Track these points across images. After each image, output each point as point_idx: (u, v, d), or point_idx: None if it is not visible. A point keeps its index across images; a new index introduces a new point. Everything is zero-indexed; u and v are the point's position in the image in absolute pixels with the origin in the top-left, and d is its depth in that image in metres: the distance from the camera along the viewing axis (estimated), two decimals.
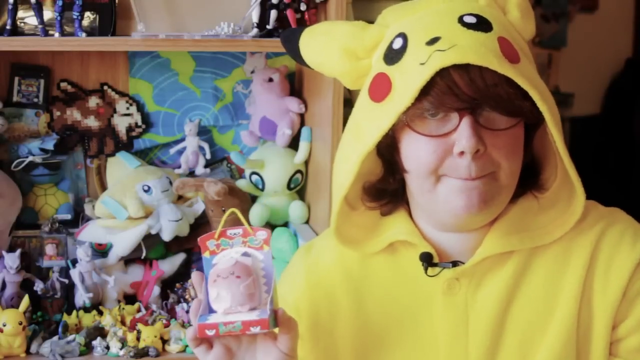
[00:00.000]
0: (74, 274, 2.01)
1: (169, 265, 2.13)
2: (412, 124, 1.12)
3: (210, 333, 1.09)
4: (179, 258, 2.14)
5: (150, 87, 2.18)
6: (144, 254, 2.07)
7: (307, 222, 2.15)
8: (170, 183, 2.08)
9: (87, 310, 2.01)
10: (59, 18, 1.90)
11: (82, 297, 2.01)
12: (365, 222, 1.25)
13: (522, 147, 1.16)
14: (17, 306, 1.90)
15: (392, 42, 1.16)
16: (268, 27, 1.99)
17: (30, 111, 2.12)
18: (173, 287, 2.09)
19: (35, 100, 2.12)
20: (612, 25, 4.73)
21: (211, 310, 1.12)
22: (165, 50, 2.12)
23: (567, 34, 4.60)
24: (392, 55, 1.14)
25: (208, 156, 2.18)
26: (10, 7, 1.89)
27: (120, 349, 1.90)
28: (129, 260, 2.11)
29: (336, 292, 1.26)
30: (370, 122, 1.15)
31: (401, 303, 1.23)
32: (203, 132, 2.20)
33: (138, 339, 1.92)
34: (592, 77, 4.68)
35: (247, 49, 2.13)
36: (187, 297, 2.05)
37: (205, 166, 2.18)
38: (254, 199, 2.18)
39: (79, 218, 2.13)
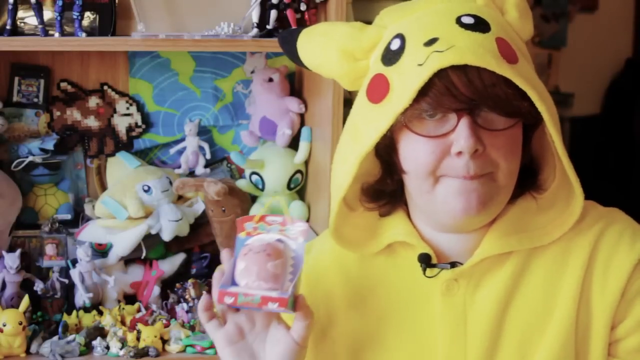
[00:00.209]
0: (74, 274, 2.01)
1: (169, 265, 2.13)
2: (410, 125, 1.12)
3: (228, 301, 1.12)
4: (179, 258, 2.14)
5: (150, 87, 2.18)
6: (144, 254, 2.08)
7: (307, 222, 2.15)
8: (170, 183, 2.08)
9: (87, 310, 2.01)
10: (59, 18, 1.90)
11: (82, 297, 2.01)
12: (363, 223, 1.25)
13: (521, 148, 1.16)
14: (17, 306, 1.90)
15: (389, 43, 1.16)
16: (268, 27, 1.99)
17: (30, 111, 2.13)
18: (173, 287, 2.09)
19: (35, 100, 2.12)
20: (612, 25, 4.73)
21: (233, 284, 1.14)
22: (165, 50, 2.12)
23: (567, 34, 4.60)
24: (390, 56, 1.14)
25: (208, 156, 2.18)
26: (10, 7, 1.89)
27: (120, 349, 1.90)
28: (129, 260, 2.11)
29: (335, 292, 1.26)
30: (368, 123, 1.15)
31: (400, 304, 1.23)
32: (203, 132, 2.20)
33: (138, 339, 1.92)
34: (592, 77, 4.69)
35: (247, 49, 2.13)
36: (187, 297, 2.05)
37: (205, 166, 2.18)
38: (254, 199, 2.18)
39: (79, 218, 2.13)
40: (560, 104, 4.30)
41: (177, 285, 2.09)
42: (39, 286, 1.99)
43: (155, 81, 2.18)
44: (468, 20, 1.12)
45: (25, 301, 1.90)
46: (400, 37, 1.15)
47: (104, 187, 2.16)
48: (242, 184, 2.15)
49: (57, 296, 2.01)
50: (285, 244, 1.18)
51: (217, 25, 1.99)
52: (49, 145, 2.07)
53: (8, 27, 1.90)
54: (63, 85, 2.14)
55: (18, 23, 1.95)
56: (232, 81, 2.21)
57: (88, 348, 1.91)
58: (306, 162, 2.16)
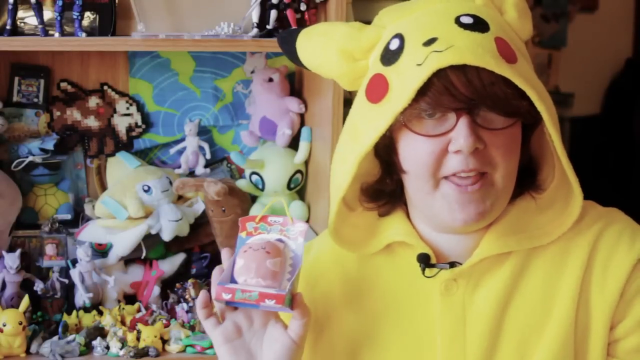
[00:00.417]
0: (74, 274, 2.01)
1: (169, 265, 2.13)
2: (410, 125, 1.12)
3: (226, 297, 1.13)
4: (179, 258, 2.14)
5: (150, 87, 2.18)
6: (144, 254, 2.08)
7: (307, 222, 2.15)
8: (170, 183, 2.08)
9: (87, 310, 2.01)
10: (59, 18, 1.90)
11: (82, 297, 2.01)
12: (362, 223, 1.25)
13: (519, 147, 1.16)
14: (17, 306, 1.90)
15: (389, 43, 1.16)
16: (268, 27, 1.99)
17: (30, 111, 2.13)
18: (173, 287, 2.09)
19: (35, 100, 2.12)
20: (612, 25, 4.73)
21: (232, 282, 1.15)
22: (165, 50, 2.12)
23: (567, 34, 4.60)
24: (389, 56, 1.14)
25: (208, 156, 2.18)
26: (10, 7, 1.89)
27: (120, 349, 1.90)
28: (129, 260, 2.11)
29: (334, 292, 1.26)
30: (368, 123, 1.15)
31: (399, 304, 1.23)
32: (203, 132, 2.20)
33: (138, 339, 1.92)
34: (592, 77, 4.68)
35: (247, 49, 2.13)
36: (187, 297, 2.05)
37: (205, 166, 2.18)
38: (254, 199, 2.18)
39: (79, 218, 2.13)
40: (560, 104, 4.31)
41: (177, 285, 2.09)
42: (39, 286, 1.99)
43: (155, 81, 2.18)
44: (467, 20, 1.12)
45: (25, 301, 1.90)
46: (399, 37, 1.15)
47: (104, 187, 2.16)
48: (242, 184, 2.15)
49: (57, 296, 2.02)
50: (285, 243, 1.19)
51: (217, 25, 1.99)
52: (49, 145, 2.07)
53: (8, 27, 1.90)
54: (63, 85, 2.14)
55: (18, 23, 1.95)
56: (232, 81, 2.21)
57: (88, 348, 1.91)
58: (306, 162, 2.16)
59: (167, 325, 1.98)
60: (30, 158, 2.07)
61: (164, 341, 1.95)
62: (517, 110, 1.12)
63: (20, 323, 1.87)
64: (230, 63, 2.20)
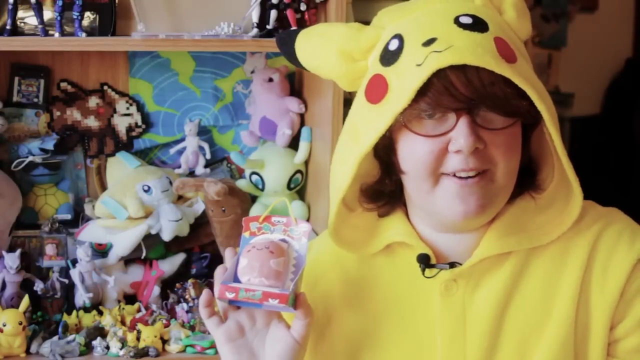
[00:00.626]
0: (74, 274, 2.02)
1: (169, 265, 2.13)
2: (409, 125, 1.12)
3: (230, 295, 1.13)
4: (179, 258, 2.14)
5: (150, 87, 2.18)
6: (144, 254, 2.08)
7: (307, 222, 2.15)
8: (170, 183, 2.09)
9: (87, 310, 2.01)
10: (59, 18, 1.90)
11: (82, 297, 2.01)
12: (362, 224, 1.25)
13: (520, 147, 1.16)
14: (17, 306, 1.90)
15: (388, 44, 1.15)
16: (268, 27, 1.99)
17: (30, 111, 2.13)
18: (173, 287, 2.09)
19: (35, 100, 2.12)
20: (612, 25, 4.72)
21: (235, 281, 1.16)
22: (165, 50, 2.12)
23: (567, 34, 4.60)
24: (389, 57, 1.14)
25: (208, 156, 2.18)
26: (10, 7, 1.89)
27: (120, 349, 1.90)
28: (129, 260, 2.11)
29: (334, 292, 1.26)
30: (367, 123, 1.15)
31: (399, 304, 1.23)
32: (203, 132, 2.20)
33: (138, 339, 1.92)
34: (592, 77, 4.68)
35: (247, 49, 2.13)
36: (187, 297, 2.05)
37: (205, 166, 2.18)
38: (254, 199, 2.18)
39: (79, 218, 2.13)
40: (560, 104, 4.31)
41: (177, 285, 2.09)
42: (39, 286, 1.99)
43: (155, 81, 2.18)
44: (466, 20, 1.12)
45: (25, 301, 1.90)
46: (399, 37, 1.14)
47: (104, 187, 2.16)
48: (242, 184, 2.15)
49: (57, 296, 2.02)
50: (289, 243, 1.19)
51: (217, 25, 1.99)
52: (49, 145, 2.07)
53: (8, 27, 1.90)
54: (63, 85, 2.14)
55: (18, 23, 1.95)
56: (232, 81, 2.21)
57: (88, 348, 1.91)
58: (306, 162, 2.16)
59: (167, 325, 1.98)
60: (30, 158, 2.07)
61: (164, 341, 1.95)
62: (517, 110, 1.12)
63: (20, 323, 1.87)
64: (230, 63, 2.20)
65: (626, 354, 1.19)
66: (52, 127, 2.13)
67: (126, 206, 2.03)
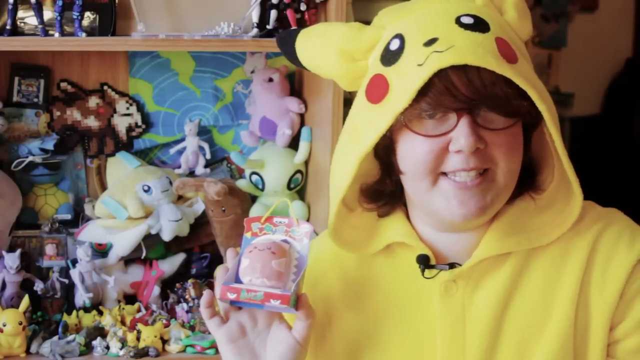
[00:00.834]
0: (74, 274, 2.01)
1: (169, 265, 2.13)
2: (410, 125, 1.12)
3: (231, 296, 1.13)
4: (179, 258, 2.14)
5: (150, 87, 2.18)
6: (144, 254, 2.08)
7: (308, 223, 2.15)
8: (170, 183, 2.09)
9: (87, 310, 2.01)
10: (59, 18, 1.90)
11: (82, 297, 2.01)
12: (362, 224, 1.25)
13: (521, 147, 1.16)
14: (17, 306, 1.90)
15: (389, 44, 1.15)
16: (268, 27, 1.99)
17: (30, 111, 2.13)
18: (173, 287, 2.09)
19: (35, 100, 2.12)
20: (612, 25, 4.73)
21: (237, 282, 1.15)
22: (165, 50, 2.12)
23: (567, 34, 4.60)
24: (389, 57, 1.14)
25: (208, 156, 2.18)
26: (10, 7, 1.89)
27: (120, 349, 1.90)
28: (129, 260, 2.11)
29: (334, 293, 1.26)
30: (368, 123, 1.15)
31: (398, 304, 1.23)
32: (203, 132, 2.20)
33: (138, 339, 1.92)
34: (592, 77, 4.68)
35: (247, 49, 2.13)
36: (187, 297, 2.05)
37: (205, 166, 2.18)
38: (254, 199, 2.18)
39: (79, 218, 2.13)
40: (560, 104, 4.30)
41: (177, 285, 2.09)
42: (39, 286, 1.99)
43: (155, 81, 2.18)
44: (467, 20, 1.12)
45: (25, 301, 1.90)
46: (400, 37, 1.14)
47: (104, 187, 2.16)
48: (242, 184, 2.15)
49: (57, 296, 2.02)
50: (290, 244, 1.19)
51: (217, 25, 1.99)
52: (49, 145, 2.07)
53: (8, 27, 1.90)
54: (63, 85, 2.14)
55: (18, 23, 1.95)
56: (232, 81, 2.21)
57: (88, 348, 1.91)
58: (306, 162, 2.16)
59: (167, 325, 1.98)
60: (30, 158, 2.07)
61: (164, 341, 1.95)
62: (518, 110, 1.11)
63: (20, 323, 1.87)
64: (230, 63, 2.20)
65: (626, 354, 1.19)
66: (52, 127, 2.13)
67: (126, 206, 2.03)
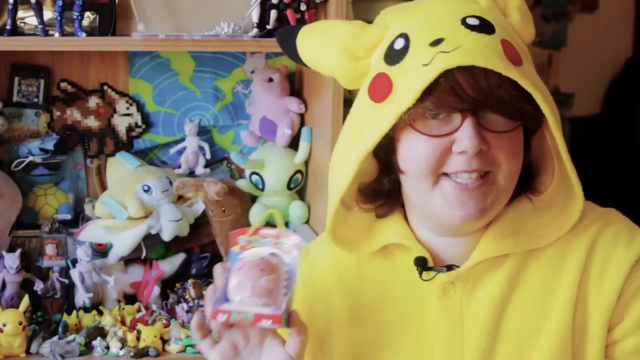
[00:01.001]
0: (74, 274, 2.01)
1: (169, 265, 2.13)
2: (414, 124, 1.12)
3: (222, 318, 1.11)
4: (179, 258, 2.14)
5: (150, 87, 2.18)
6: (144, 254, 2.08)
7: (307, 222, 2.15)
8: (170, 183, 2.09)
9: (87, 310, 2.01)
10: (59, 18, 1.90)
11: (82, 297, 2.01)
12: (360, 223, 1.25)
13: (522, 150, 1.15)
14: (17, 306, 1.90)
15: (393, 43, 1.15)
16: (268, 27, 1.99)
17: (30, 111, 2.13)
18: (173, 287, 2.09)
19: (35, 100, 2.12)
20: (612, 25, 4.73)
21: (226, 300, 1.13)
22: (165, 50, 2.12)
23: (567, 34, 4.60)
24: (394, 56, 1.14)
25: (208, 156, 2.18)
26: (10, 7, 1.89)
27: (120, 349, 1.90)
28: (129, 260, 2.11)
29: (332, 296, 1.26)
30: (370, 122, 1.14)
31: (396, 307, 1.23)
32: (203, 132, 2.20)
33: (138, 339, 1.92)
34: (592, 77, 4.68)
35: (247, 49, 2.13)
36: (187, 297, 2.05)
37: (205, 166, 2.18)
38: (254, 199, 2.18)
39: (79, 218, 2.13)
40: (560, 104, 4.28)
41: (177, 285, 2.09)
42: (39, 286, 1.99)
43: (155, 81, 2.18)
44: (473, 21, 1.12)
45: (25, 301, 1.90)
46: (404, 36, 1.14)
47: (104, 187, 2.16)
48: (242, 184, 2.15)
49: (57, 296, 2.01)
50: (279, 257, 1.16)
51: (217, 25, 1.99)
52: (49, 145, 2.07)
53: (8, 27, 1.90)
54: (63, 85, 2.14)
55: (18, 23, 1.95)
56: (232, 81, 2.21)
57: (88, 348, 1.91)
58: (306, 162, 2.16)
59: (167, 325, 1.98)
60: (30, 158, 2.07)
61: (164, 341, 1.95)
62: (522, 113, 1.11)
63: (20, 323, 1.86)
64: (230, 63, 2.20)
65: (624, 355, 1.18)
66: (52, 127, 2.13)
67: (126, 206, 2.03)
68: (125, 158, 2.13)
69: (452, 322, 1.20)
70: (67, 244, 2.06)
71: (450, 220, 1.14)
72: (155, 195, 2.06)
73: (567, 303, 1.17)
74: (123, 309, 2.03)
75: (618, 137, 4.72)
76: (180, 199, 2.14)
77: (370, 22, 1.22)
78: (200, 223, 2.15)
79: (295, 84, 2.22)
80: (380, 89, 1.14)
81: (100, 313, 2.01)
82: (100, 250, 2.10)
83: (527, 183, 1.21)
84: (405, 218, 1.23)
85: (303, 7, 2.00)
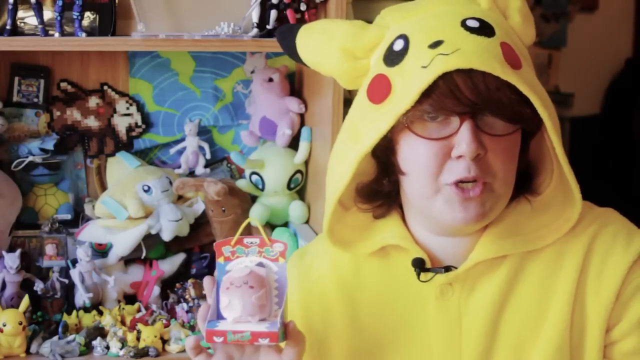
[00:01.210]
0: (74, 274, 2.01)
1: (169, 265, 2.13)
2: (412, 126, 1.12)
3: (218, 340, 1.10)
4: (179, 258, 2.14)
5: (150, 87, 2.18)
6: (144, 254, 2.08)
7: (307, 222, 2.16)
8: (170, 183, 2.08)
9: (87, 310, 2.01)
10: (59, 18, 1.90)
11: (82, 297, 2.01)
12: (357, 223, 1.25)
13: (517, 155, 1.15)
14: (17, 306, 1.90)
15: (392, 44, 1.14)
16: (268, 27, 1.99)
17: (30, 111, 2.13)
18: (173, 287, 2.09)
19: (35, 100, 2.12)
20: (612, 25, 4.73)
21: (219, 317, 1.12)
22: (165, 50, 2.12)
23: (567, 34, 4.60)
24: (393, 57, 1.13)
25: (208, 156, 2.18)
26: (10, 7, 1.89)
27: (120, 349, 1.90)
28: (129, 260, 2.11)
29: (329, 297, 1.26)
30: (368, 123, 1.14)
31: (394, 308, 1.22)
32: (203, 132, 2.20)
33: (138, 339, 1.92)
34: (592, 77, 4.68)
35: (247, 49, 2.13)
36: (187, 297, 2.05)
37: (205, 166, 2.18)
38: (254, 199, 2.18)
39: (79, 218, 2.13)
40: (560, 104, 4.30)
41: (177, 285, 2.09)
42: (39, 286, 1.99)
43: (155, 81, 2.18)
44: (473, 23, 1.11)
45: (25, 301, 1.90)
46: (404, 38, 1.13)
47: (104, 187, 2.16)
48: (242, 184, 2.15)
49: (57, 296, 2.01)
50: (267, 266, 1.14)
51: (217, 25, 1.99)
52: (49, 145, 2.07)
53: (8, 27, 1.90)
54: (63, 85, 2.14)
55: (18, 23, 1.95)
56: (232, 81, 2.21)
57: (88, 348, 1.91)
58: (306, 162, 2.16)
59: (167, 325, 1.98)
60: (30, 158, 2.07)
61: (164, 341, 1.95)
62: (520, 116, 1.11)
63: (20, 323, 1.86)
64: (230, 63, 2.20)
65: (622, 356, 1.18)
66: (52, 127, 2.13)
67: (126, 206, 2.03)
68: (125, 158, 2.13)
69: (450, 323, 1.20)
70: (67, 244, 2.06)
71: (452, 222, 1.14)
72: (155, 195, 2.06)
73: (565, 304, 1.17)
74: (123, 309, 2.03)
75: (618, 137, 4.72)
76: (180, 199, 2.14)
77: (370, 22, 1.22)
78: (200, 223, 2.15)
79: (295, 84, 2.22)
80: (379, 90, 1.13)
81: (100, 313, 2.01)
82: (100, 250, 2.10)
83: (526, 184, 1.20)
84: (403, 219, 1.23)
85: (303, 7, 2.00)
